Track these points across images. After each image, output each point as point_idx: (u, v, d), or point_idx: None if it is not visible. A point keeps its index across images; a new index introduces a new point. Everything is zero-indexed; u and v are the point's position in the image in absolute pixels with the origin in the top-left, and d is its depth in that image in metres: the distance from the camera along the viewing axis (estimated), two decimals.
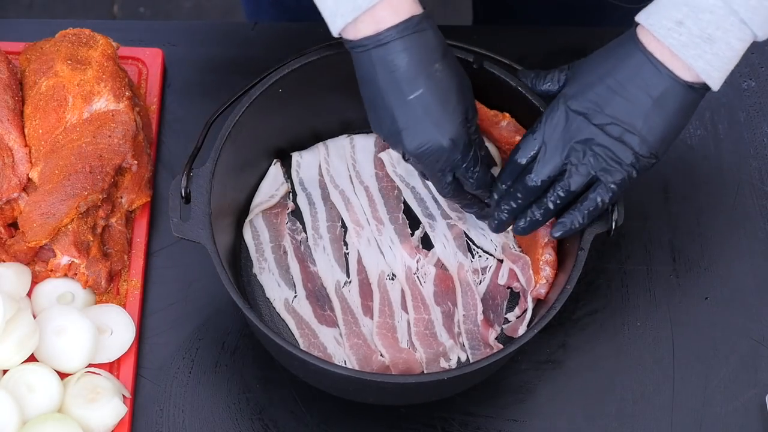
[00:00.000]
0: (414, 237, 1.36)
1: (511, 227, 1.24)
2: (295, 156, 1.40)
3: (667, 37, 1.12)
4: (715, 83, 1.14)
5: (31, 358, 1.25)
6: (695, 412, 1.28)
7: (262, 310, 1.31)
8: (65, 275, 1.29)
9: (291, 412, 1.28)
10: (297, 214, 1.37)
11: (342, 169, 1.39)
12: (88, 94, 1.31)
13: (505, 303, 1.32)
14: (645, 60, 1.14)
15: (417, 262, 1.34)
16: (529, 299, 1.29)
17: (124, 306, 1.30)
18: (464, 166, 1.20)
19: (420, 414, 1.28)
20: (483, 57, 1.30)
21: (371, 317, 1.31)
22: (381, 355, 1.28)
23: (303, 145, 1.41)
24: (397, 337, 1.29)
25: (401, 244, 1.35)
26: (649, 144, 1.16)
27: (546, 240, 1.28)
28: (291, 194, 1.38)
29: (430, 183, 1.38)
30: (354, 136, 1.41)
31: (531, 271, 1.30)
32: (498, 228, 1.24)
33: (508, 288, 1.33)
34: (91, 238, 1.29)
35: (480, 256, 1.35)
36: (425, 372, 1.27)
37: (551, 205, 1.20)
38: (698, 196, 1.41)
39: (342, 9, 1.14)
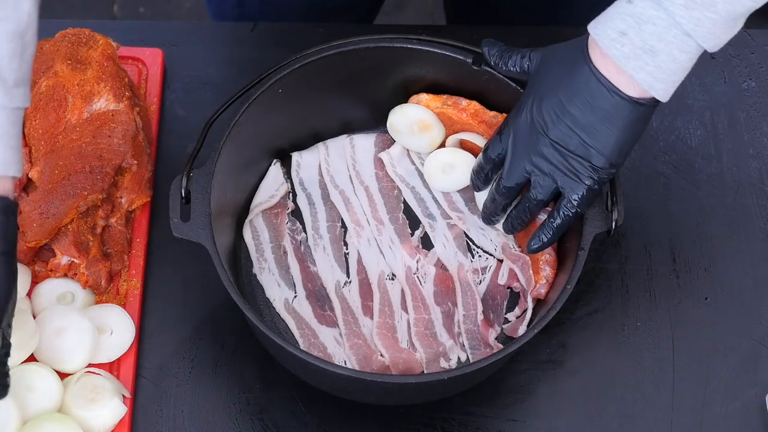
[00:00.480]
0: (414, 237, 1.36)
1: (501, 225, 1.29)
2: (295, 156, 1.40)
3: (610, 48, 1.11)
4: (661, 95, 1.12)
5: (31, 358, 1.25)
6: (695, 412, 1.28)
7: (262, 310, 1.31)
8: (65, 275, 1.29)
9: (291, 412, 1.28)
10: (297, 214, 1.37)
11: (342, 169, 1.39)
12: (88, 94, 1.31)
13: (505, 303, 1.32)
14: (591, 75, 1.14)
15: (417, 262, 1.34)
16: (529, 299, 1.29)
17: (124, 306, 1.30)
18: None
19: (420, 414, 1.28)
20: (483, 57, 1.30)
21: (371, 317, 1.31)
22: (381, 355, 1.28)
23: (303, 145, 1.41)
24: (397, 337, 1.29)
25: (401, 244, 1.35)
26: (605, 156, 1.16)
27: None
28: (291, 194, 1.38)
29: (429, 183, 1.38)
30: (354, 136, 1.41)
31: (531, 271, 1.30)
32: (487, 221, 1.30)
33: (508, 288, 1.33)
34: (91, 238, 1.29)
35: (480, 256, 1.35)
36: (425, 372, 1.27)
37: (527, 213, 1.24)
38: (698, 196, 1.41)
39: None
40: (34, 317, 1.27)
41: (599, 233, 1.23)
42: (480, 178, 1.29)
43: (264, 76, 1.28)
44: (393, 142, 1.40)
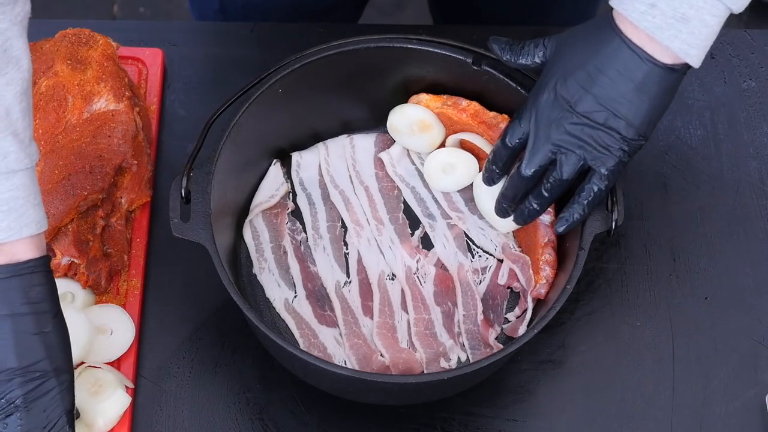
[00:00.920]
0: (414, 237, 1.36)
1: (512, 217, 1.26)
2: (295, 156, 1.40)
3: (641, 21, 1.12)
4: (695, 61, 1.13)
5: None
6: (695, 412, 1.28)
7: (262, 310, 1.31)
8: (65, 275, 1.29)
9: (291, 412, 1.28)
10: (297, 214, 1.37)
11: (342, 169, 1.39)
12: (88, 94, 1.31)
13: (505, 303, 1.32)
14: (622, 44, 1.14)
15: (417, 262, 1.34)
16: (529, 299, 1.29)
17: (124, 306, 1.30)
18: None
19: (420, 414, 1.28)
20: (483, 57, 1.30)
21: (371, 317, 1.31)
22: (381, 355, 1.28)
23: (303, 145, 1.41)
24: (397, 337, 1.29)
25: (401, 244, 1.35)
26: (635, 127, 1.16)
27: (546, 240, 1.28)
28: (291, 194, 1.38)
29: (429, 183, 1.38)
30: (354, 136, 1.41)
31: (531, 271, 1.30)
32: (501, 214, 1.26)
33: (508, 288, 1.33)
34: (91, 238, 1.29)
35: (480, 256, 1.35)
36: (425, 372, 1.27)
37: (546, 194, 1.21)
38: (698, 196, 1.41)
39: None
40: None
41: (599, 233, 1.23)
42: (498, 166, 1.25)
43: (264, 76, 1.28)
44: (393, 142, 1.40)
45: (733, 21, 1.38)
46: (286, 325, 1.30)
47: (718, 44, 1.49)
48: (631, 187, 1.40)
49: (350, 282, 1.33)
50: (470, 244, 1.36)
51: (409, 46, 1.32)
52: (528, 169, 1.20)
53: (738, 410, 1.28)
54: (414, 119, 1.36)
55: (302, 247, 1.35)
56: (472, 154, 1.36)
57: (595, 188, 1.19)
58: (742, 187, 1.41)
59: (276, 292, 1.32)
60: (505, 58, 1.24)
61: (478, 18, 1.68)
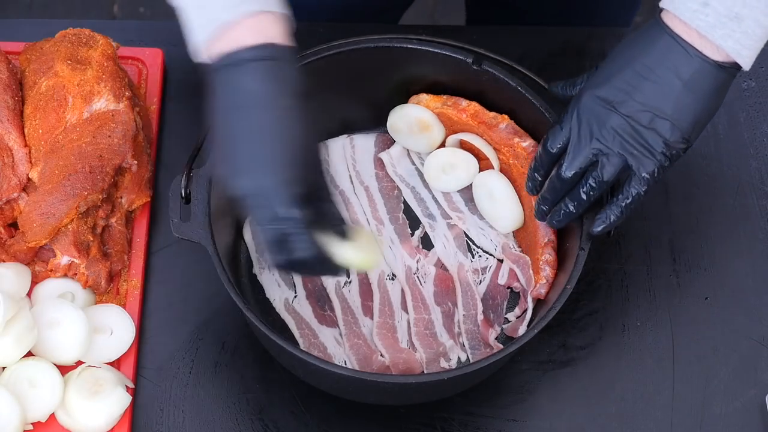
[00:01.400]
0: (414, 237, 1.36)
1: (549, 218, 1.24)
2: None
3: (693, 20, 1.10)
4: (746, 62, 1.12)
5: (28, 355, 1.25)
6: (695, 412, 1.28)
7: (262, 310, 1.31)
8: (65, 275, 1.29)
9: (291, 412, 1.28)
10: None
11: (342, 169, 1.39)
12: (88, 94, 1.31)
13: (505, 303, 1.32)
14: (673, 42, 1.12)
15: (417, 262, 1.34)
16: (529, 299, 1.29)
17: (124, 306, 1.30)
18: (287, 226, 1.07)
19: (420, 414, 1.28)
20: (483, 57, 1.30)
21: (371, 317, 1.31)
22: (381, 355, 1.28)
23: None
24: (397, 337, 1.29)
25: (401, 244, 1.35)
26: (681, 129, 1.14)
27: (546, 240, 1.28)
28: None
29: (429, 183, 1.38)
30: (354, 136, 1.41)
31: (531, 271, 1.30)
32: (540, 217, 1.24)
33: (508, 288, 1.33)
34: (91, 238, 1.29)
35: (480, 256, 1.35)
36: (425, 372, 1.27)
37: (584, 197, 1.19)
38: (698, 196, 1.41)
39: (202, 21, 1.09)
40: None
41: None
42: (540, 174, 1.23)
43: None
44: (393, 142, 1.40)
45: None
46: (286, 325, 1.30)
47: None
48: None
49: (350, 282, 1.33)
50: (470, 244, 1.36)
51: (409, 46, 1.32)
52: (569, 171, 1.18)
53: (738, 410, 1.29)
54: (414, 119, 1.36)
55: None
56: (472, 154, 1.36)
57: (634, 191, 1.17)
58: (742, 187, 1.41)
59: (276, 292, 1.32)
60: (562, 93, 1.24)
61: (523, 19, 1.65)
